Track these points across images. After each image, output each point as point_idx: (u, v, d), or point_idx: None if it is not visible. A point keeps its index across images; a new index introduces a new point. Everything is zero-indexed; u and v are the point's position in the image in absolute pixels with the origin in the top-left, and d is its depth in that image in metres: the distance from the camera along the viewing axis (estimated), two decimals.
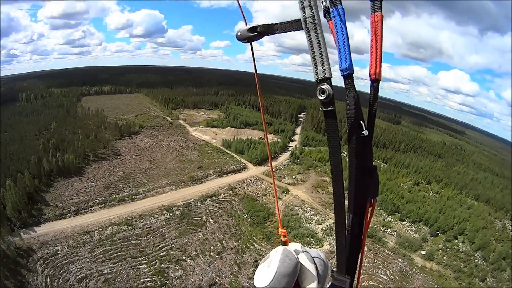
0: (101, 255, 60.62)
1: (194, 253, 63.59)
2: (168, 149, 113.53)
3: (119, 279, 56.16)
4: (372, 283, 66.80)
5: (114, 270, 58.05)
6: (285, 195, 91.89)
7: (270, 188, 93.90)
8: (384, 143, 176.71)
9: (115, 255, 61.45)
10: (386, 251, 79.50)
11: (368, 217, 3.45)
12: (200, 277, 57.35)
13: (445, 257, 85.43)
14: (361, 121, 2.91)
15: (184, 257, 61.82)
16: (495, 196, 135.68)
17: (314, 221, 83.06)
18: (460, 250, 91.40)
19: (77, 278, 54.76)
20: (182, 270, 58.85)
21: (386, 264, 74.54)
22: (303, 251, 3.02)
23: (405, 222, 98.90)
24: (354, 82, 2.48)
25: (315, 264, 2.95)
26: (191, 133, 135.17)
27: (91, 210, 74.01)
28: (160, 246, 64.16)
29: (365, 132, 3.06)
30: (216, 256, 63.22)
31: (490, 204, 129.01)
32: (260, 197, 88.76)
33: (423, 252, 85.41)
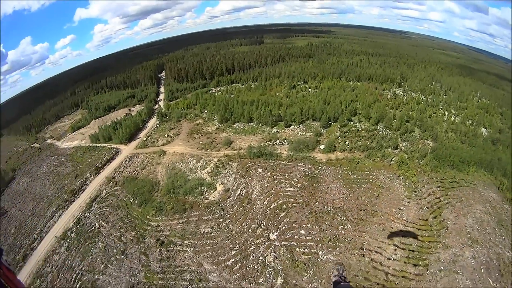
0: None
1: (102, 266, 61.74)
2: (44, 177, 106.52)
3: None
4: (280, 201, 66.95)
5: None
6: (162, 158, 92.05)
7: (147, 159, 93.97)
8: (249, 64, 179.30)
9: None
10: (283, 162, 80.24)
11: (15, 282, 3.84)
12: (118, 287, 56.48)
13: (347, 142, 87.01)
14: None
15: (96, 276, 59.93)
16: (376, 72, 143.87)
17: (199, 168, 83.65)
18: (360, 129, 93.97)
19: None
20: None
21: (288, 175, 74.76)
22: None
23: (292, 127, 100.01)
24: None
25: None
26: (61, 147, 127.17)
27: None
28: (72, 279, 61.07)
29: None
30: (122, 257, 62.12)
31: (373, 80, 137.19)
32: (139, 173, 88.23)
33: (322, 147, 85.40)
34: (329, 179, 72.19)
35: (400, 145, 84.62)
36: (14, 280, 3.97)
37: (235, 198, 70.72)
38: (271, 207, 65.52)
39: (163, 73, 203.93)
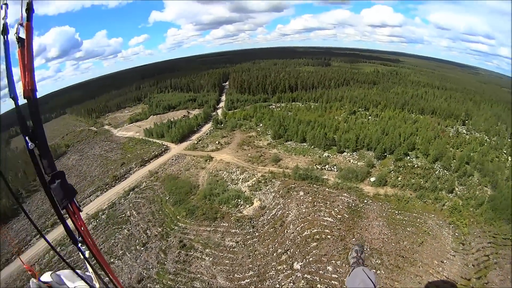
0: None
1: (120, 252, 62.18)
2: (93, 158, 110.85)
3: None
4: (315, 230, 61.02)
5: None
6: (208, 164, 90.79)
7: (193, 161, 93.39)
8: (313, 84, 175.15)
9: None
10: (327, 189, 73.69)
11: (80, 223, 4.51)
12: (129, 275, 55.98)
13: (399, 178, 77.98)
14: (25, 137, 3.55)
15: (112, 259, 60.22)
16: (441, 106, 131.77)
17: (241, 180, 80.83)
18: (415, 166, 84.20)
19: None
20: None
21: (329, 204, 68.46)
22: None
23: (344, 154, 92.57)
24: None
25: None
26: (115, 134, 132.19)
27: (30, 244, 72.00)
28: (90, 257, 62.69)
29: (30, 145, 3.72)
30: (142, 248, 61.78)
31: (437, 115, 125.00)
32: (182, 173, 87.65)
33: (372, 179, 77.44)
34: (373, 215, 65.13)
35: (456, 189, 74.36)
36: (79, 219, 4.47)
37: (268, 217, 66.24)
38: (303, 235, 59.92)
39: (227, 82, 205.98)
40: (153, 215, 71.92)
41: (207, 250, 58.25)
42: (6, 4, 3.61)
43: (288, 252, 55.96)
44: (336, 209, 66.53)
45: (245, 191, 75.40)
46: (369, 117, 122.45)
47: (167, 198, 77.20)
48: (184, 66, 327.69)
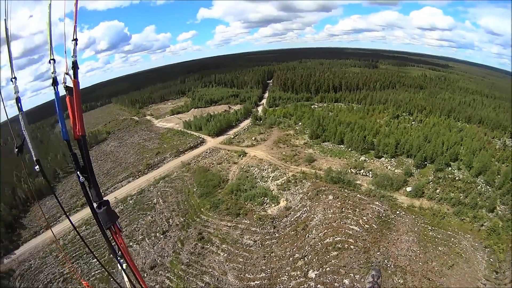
0: (63, 259, 62.46)
1: (140, 237, 63.19)
2: (131, 146, 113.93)
3: (74, 276, 57.62)
4: (338, 238, 56.50)
5: (72, 269, 59.76)
6: (241, 159, 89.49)
7: (227, 156, 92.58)
8: (357, 85, 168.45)
9: (74, 255, 62.35)
10: (358, 195, 68.57)
11: (120, 241, 5.18)
12: (144, 260, 56.64)
13: (438, 190, 71.24)
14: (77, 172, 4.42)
15: (131, 243, 61.47)
16: (489, 116, 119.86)
17: (271, 178, 78.35)
18: (457, 178, 75.28)
19: (44, 284, 56.48)
20: None
21: (359, 211, 63.43)
22: None
23: (382, 159, 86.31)
24: None
25: None
26: (156, 125, 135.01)
27: (59, 221, 75.05)
28: (111, 238, 63.79)
29: (81, 179, 4.51)
30: (161, 236, 62.15)
31: (484, 124, 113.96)
32: (214, 166, 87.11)
33: (408, 189, 70.75)
34: (404, 228, 58.81)
35: (498, 208, 65.11)
36: (121, 239, 5.18)
37: (292, 219, 62.87)
38: (325, 242, 55.58)
39: (271, 80, 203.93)
40: (178, 205, 72.06)
41: (223, 245, 56.82)
42: (53, 60, 4.42)
43: (306, 258, 52.31)
44: (365, 217, 61.24)
45: (273, 190, 72.86)
46: (413, 123, 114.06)
47: (194, 189, 76.96)
48: (230, 62, 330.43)
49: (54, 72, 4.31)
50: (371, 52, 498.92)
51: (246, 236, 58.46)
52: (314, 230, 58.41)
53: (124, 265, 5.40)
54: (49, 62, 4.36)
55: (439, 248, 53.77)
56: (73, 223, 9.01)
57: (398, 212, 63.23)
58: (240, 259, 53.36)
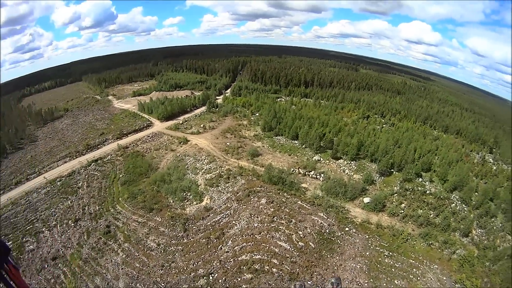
0: None
1: (54, 223, 56.24)
2: (82, 125, 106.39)
3: None
4: (258, 256, 45.17)
5: None
6: (180, 146, 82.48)
7: (167, 142, 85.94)
8: (331, 82, 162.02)
9: None
10: (300, 202, 57.14)
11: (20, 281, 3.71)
12: (49, 249, 50.15)
13: (403, 205, 59.73)
14: None
15: (44, 229, 54.63)
16: (467, 128, 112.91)
17: (203, 170, 70.28)
18: (427, 192, 65.09)
19: None
20: (36, 243, 51.55)
21: (295, 223, 51.56)
22: None
23: (341, 161, 76.57)
24: None
25: None
26: (114, 105, 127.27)
27: None
28: (29, 220, 57.13)
29: None
30: (72, 224, 55.36)
31: (462, 136, 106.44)
32: (150, 152, 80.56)
33: (366, 200, 59.71)
34: (351, 251, 47.24)
35: (474, 232, 55.11)
36: (19, 278, 3.87)
37: (208, 223, 53.83)
38: (239, 259, 45.20)
39: (242, 70, 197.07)
40: (99, 191, 65.72)
41: (126, 244, 50.22)
42: None
43: (210, 277, 42.77)
44: (301, 232, 50.11)
45: (200, 184, 65.34)
46: (384, 125, 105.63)
47: (120, 176, 70.31)
48: (210, 52, 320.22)
49: None
50: (354, 57, 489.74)
51: (152, 237, 51.34)
52: (230, 241, 48.83)
53: None
54: None
55: (395, 281, 42.78)
56: None
57: (347, 229, 52.30)
58: (137, 264, 46.09)
